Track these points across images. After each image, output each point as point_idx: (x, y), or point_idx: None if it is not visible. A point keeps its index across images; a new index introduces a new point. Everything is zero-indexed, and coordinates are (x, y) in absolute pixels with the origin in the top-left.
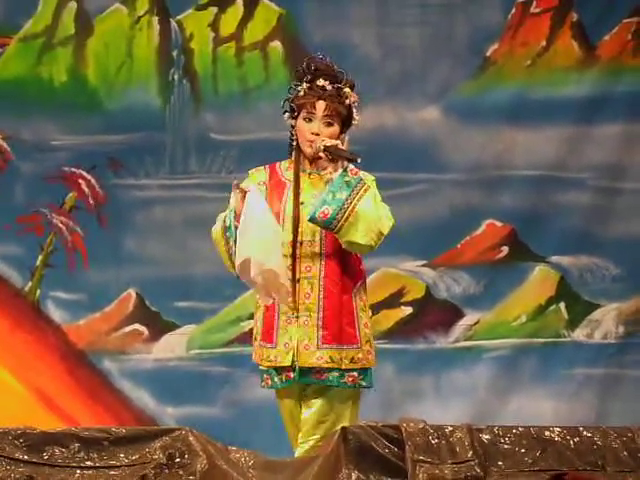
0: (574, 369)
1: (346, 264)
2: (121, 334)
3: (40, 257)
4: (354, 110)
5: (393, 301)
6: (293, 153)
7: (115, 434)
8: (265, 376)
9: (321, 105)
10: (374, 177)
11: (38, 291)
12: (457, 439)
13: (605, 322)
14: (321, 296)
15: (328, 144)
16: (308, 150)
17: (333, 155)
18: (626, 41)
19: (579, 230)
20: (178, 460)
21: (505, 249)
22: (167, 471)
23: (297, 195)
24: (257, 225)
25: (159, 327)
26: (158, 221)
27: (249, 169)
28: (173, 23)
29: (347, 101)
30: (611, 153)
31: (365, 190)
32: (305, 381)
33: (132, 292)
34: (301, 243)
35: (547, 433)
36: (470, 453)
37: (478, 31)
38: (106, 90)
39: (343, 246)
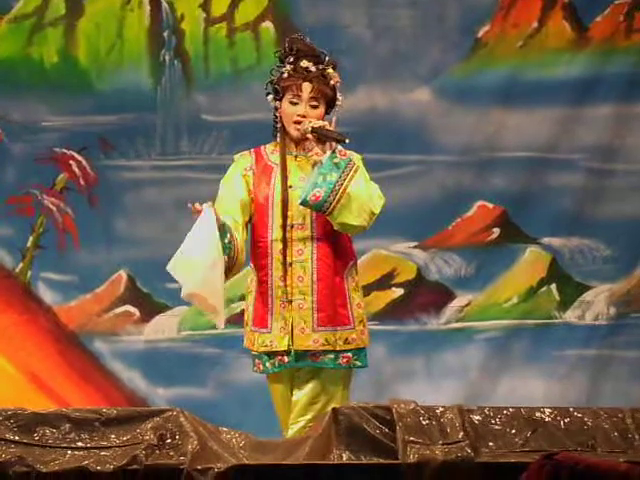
0: (565, 350)
1: (337, 245)
2: (112, 315)
3: (31, 238)
4: (337, 91)
5: (384, 282)
6: (278, 136)
7: (106, 415)
8: (257, 361)
9: (307, 87)
10: (361, 156)
11: (29, 272)
12: (448, 420)
13: (596, 303)
14: (314, 279)
15: (316, 125)
16: (295, 133)
17: (321, 136)
18: (618, 22)
19: (570, 211)
20: (169, 441)
21: (496, 231)
22: (158, 452)
23: (285, 178)
24: (196, 246)
25: (150, 308)
26: (149, 202)
27: (239, 150)
28: (164, 4)
29: (331, 82)
30: (603, 134)
31: (355, 171)
32: (300, 364)
33: (123, 273)
34: (292, 226)
35: (538, 414)
36: (461, 434)
37: (469, 12)
38: (97, 71)
39: (335, 228)
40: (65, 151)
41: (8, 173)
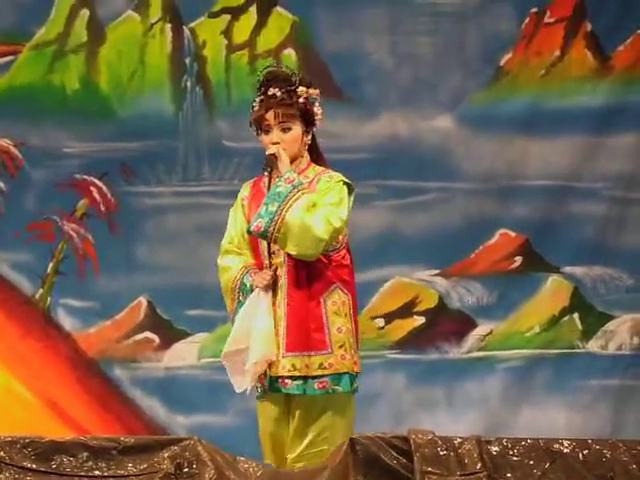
0: (588, 380)
1: (313, 269)
2: (132, 342)
3: (51, 264)
4: (315, 105)
5: (406, 310)
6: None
7: (124, 443)
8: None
9: (270, 115)
10: (341, 179)
11: (49, 299)
12: (466, 451)
13: (620, 333)
14: (285, 303)
15: (268, 152)
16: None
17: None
18: None
19: (593, 240)
20: (186, 470)
21: (519, 259)
22: None
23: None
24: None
25: (170, 335)
26: (170, 229)
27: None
28: (186, 30)
29: (300, 100)
30: (625, 163)
31: (296, 199)
32: (273, 390)
33: (143, 300)
34: (273, 253)
35: (556, 445)
36: (479, 465)
37: (491, 40)
38: (118, 97)
39: None
40: (86, 177)
41: (29, 199)
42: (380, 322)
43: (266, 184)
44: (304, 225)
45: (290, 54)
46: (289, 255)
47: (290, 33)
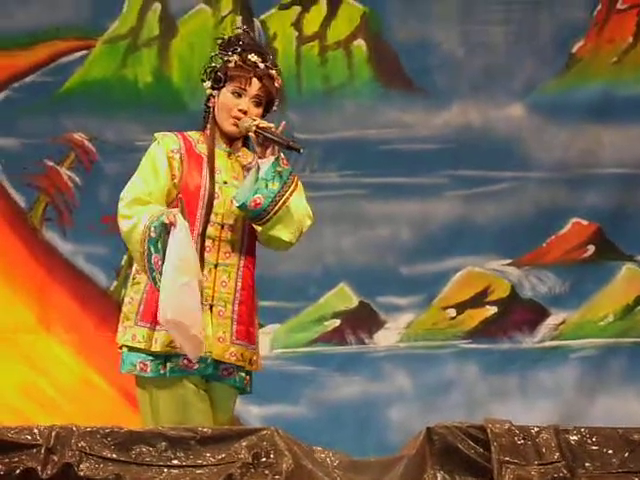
0: None
1: (255, 257)
2: None
3: (125, 257)
4: (278, 94)
5: (478, 300)
6: (208, 126)
7: (201, 433)
8: (139, 361)
9: (256, 83)
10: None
11: (123, 290)
12: (543, 440)
13: None
14: (239, 287)
15: (262, 125)
16: (231, 128)
17: (267, 139)
18: None
19: None
20: (264, 460)
21: (591, 248)
22: (253, 470)
23: (213, 172)
24: (173, 268)
25: None
26: None
27: (332, 168)
28: (257, 22)
29: (276, 83)
30: None
31: (296, 184)
32: (211, 375)
33: None
34: (222, 226)
35: (635, 435)
36: (557, 454)
37: (563, 28)
38: (190, 91)
39: (261, 239)
40: None
41: (102, 192)
42: (452, 312)
43: (197, 147)
44: (303, 214)
45: (360, 45)
46: (250, 235)
47: (360, 24)
